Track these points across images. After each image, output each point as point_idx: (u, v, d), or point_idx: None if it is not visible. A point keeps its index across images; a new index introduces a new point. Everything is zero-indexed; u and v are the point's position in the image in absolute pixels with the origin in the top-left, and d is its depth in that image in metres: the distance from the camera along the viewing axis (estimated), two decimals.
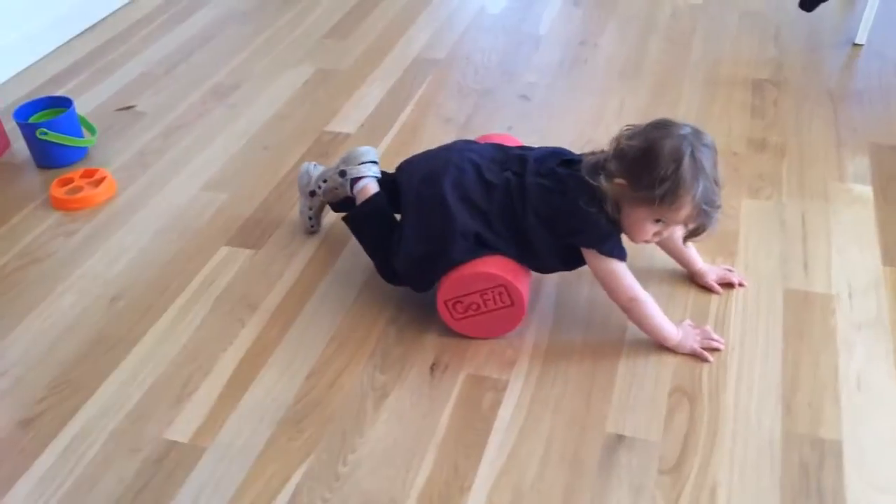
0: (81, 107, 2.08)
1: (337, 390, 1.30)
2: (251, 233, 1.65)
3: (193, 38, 2.46)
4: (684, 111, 1.95)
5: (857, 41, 2.19)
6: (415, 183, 1.38)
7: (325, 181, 1.54)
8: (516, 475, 1.16)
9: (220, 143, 1.95)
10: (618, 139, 1.25)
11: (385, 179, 1.49)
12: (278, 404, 1.28)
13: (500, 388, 1.29)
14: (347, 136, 1.94)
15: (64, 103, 1.92)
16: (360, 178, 1.47)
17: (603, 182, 1.23)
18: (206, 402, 1.29)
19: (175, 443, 1.23)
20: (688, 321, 1.36)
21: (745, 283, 1.45)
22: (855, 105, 1.95)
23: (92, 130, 1.94)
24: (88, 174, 1.81)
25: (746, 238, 1.56)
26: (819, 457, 1.16)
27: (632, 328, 1.37)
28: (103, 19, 2.59)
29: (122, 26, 2.54)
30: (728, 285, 1.44)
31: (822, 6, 2.21)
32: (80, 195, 1.75)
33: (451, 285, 1.32)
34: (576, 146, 1.45)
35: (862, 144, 1.80)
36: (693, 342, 1.32)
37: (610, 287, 1.31)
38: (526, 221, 1.31)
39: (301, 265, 1.56)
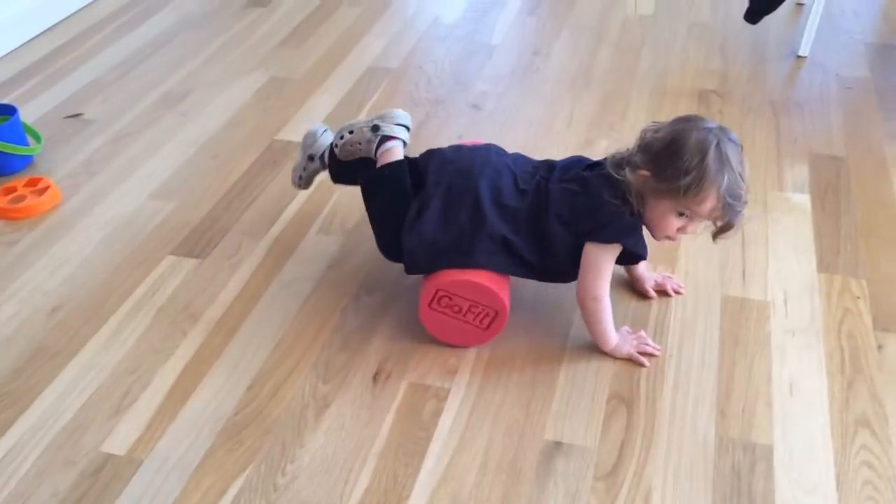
0: (29, 114, 2.06)
1: (278, 400, 1.30)
2: (197, 242, 1.64)
3: (146, 44, 2.45)
4: (632, 121, 1.99)
5: (800, 53, 2.25)
6: (448, 171, 1.37)
7: (350, 132, 1.49)
8: (455, 484, 1.17)
9: (168, 152, 1.93)
10: (643, 133, 1.27)
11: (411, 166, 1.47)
12: (218, 415, 1.28)
13: (441, 397, 1.30)
14: (298, 144, 1.94)
15: (8, 111, 1.89)
16: (391, 138, 1.45)
17: (627, 174, 1.24)
18: (145, 414, 1.28)
19: (111, 455, 1.22)
20: (625, 327, 1.38)
21: (682, 290, 1.48)
22: (796, 116, 1.99)
23: (37, 138, 1.92)
24: (32, 183, 1.78)
25: (687, 245, 1.59)
26: (751, 461, 1.18)
27: (574, 336, 1.39)
28: (53, 26, 2.56)
29: (74, 32, 2.51)
30: (663, 293, 1.47)
31: (767, 18, 2.26)
32: (22, 204, 1.72)
33: (456, 282, 1.31)
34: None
35: (801, 154, 1.85)
36: (629, 347, 1.35)
37: (586, 279, 1.30)
38: (549, 227, 1.31)
39: (246, 274, 1.55)
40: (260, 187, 1.80)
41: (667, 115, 1.98)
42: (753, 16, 2.19)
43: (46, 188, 1.77)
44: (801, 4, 2.53)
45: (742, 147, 1.25)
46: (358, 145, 1.48)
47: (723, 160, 1.20)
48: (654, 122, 1.29)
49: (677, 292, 1.48)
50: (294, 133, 1.99)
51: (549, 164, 1.39)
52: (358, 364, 1.36)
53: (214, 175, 1.85)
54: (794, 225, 1.64)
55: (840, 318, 1.42)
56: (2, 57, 2.37)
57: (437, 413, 1.28)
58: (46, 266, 1.59)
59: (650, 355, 1.35)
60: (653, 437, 1.23)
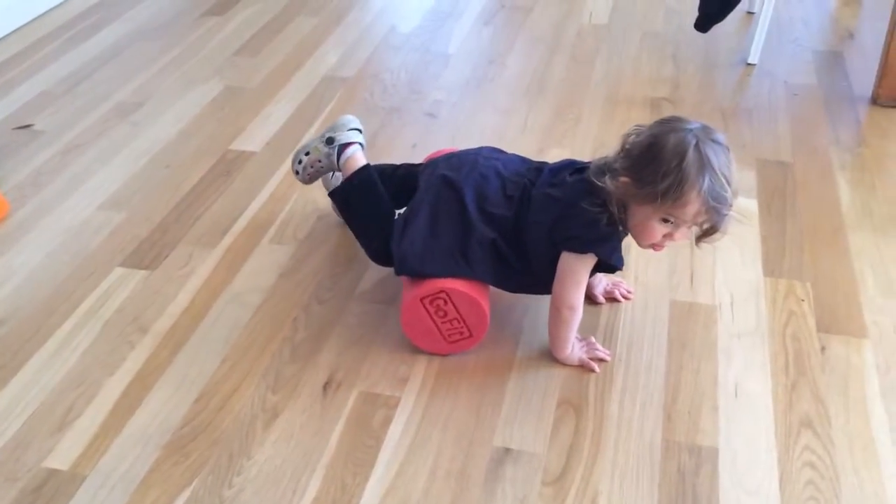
0: None
1: (226, 412, 1.29)
2: (147, 253, 1.62)
3: (99, 55, 2.42)
4: (584, 128, 2.01)
5: (749, 61, 2.29)
6: (435, 179, 1.37)
7: (306, 153, 1.48)
8: (403, 492, 1.17)
9: (119, 162, 1.91)
10: (625, 137, 1.25)
11: (394, 172, 1.47)
12: (164, 428, 1.26)
13: (391, 406, 1.30)
14: (252, 153, 1.93)
15: None
16: (348, 145, 1.44)
17: (608, 181, 1.22)
18: (89, 429, 1.26)
19: (55, 471, 1.20)
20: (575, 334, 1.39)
21: (631, 296, 1.49)
22: (744, 122, 2.03)
23: None
24: None
25: (637, 250, 1.60)
26: (696, 463, 1.20)
27: (524, 342, 1.40)
28: (5, 36, 2.52)
29: (22, 45, 2.48)
30: (613, 299, 1.48)
31: (718, 27, 2.30)
32: None
33: (464, 295, 1.30)
34: None
35: (749, 160, 1.88)
36: (580, 352, 1.36)
37: (562, 288, 1.29)
38: (528, 233, 1.31)
39: (196, 286, 1.54)
40: (212, 198, 1.78)
41: (619, 123, 2.02)
42: (704, 24, 2.22)
43: None
44: (751, 13, 2.58)
45: (728, 148, 1.22)
46: (319, 163, 1.48)
47: (703, 161, 1.16)
48: (636, 126, 1.26)
49: (626, 297, 1.49)
50: (249, 143, 1.98)
51: (539, 168, 1.38)
52: (308, 374, 1.36)
53: (166, 186, 1.83)
54: (741, 230, 1.66)
55: (785, 320, 1.45)
56: None
57: (388, 421, 1.27)
58: None
59: (601, 360, 1.36)
60: (600, 441, 1.23)
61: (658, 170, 1.17)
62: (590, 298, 1.48)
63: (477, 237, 1.31)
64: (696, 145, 1.17)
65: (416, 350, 1.39)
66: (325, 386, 1.33)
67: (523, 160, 1.43)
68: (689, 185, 1.16)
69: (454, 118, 2.07)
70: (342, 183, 1.46)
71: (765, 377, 1.34)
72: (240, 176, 1.84)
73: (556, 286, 1.30)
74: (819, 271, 1.55)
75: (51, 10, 2.70)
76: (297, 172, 1.54)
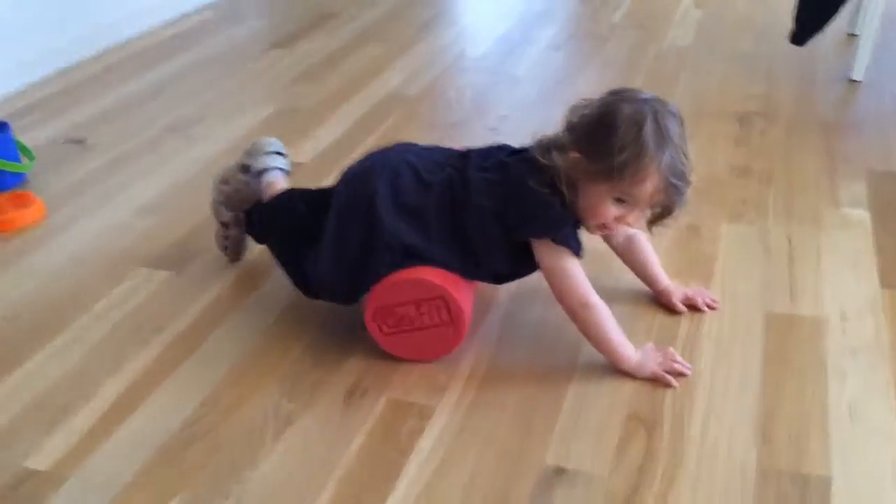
0: (30, 140, 1.98)
1: (233, 418, 1.11)
2: (174, 255, 1.49)
3: (162, 80, 2.39)
4: None
5: (853, 77, 2.06)
6: (345, 184, 1.22)
7: (225, 183, 1.36)
8: None
9: (164, 172, 1.82)
10: (571, 110, 1.10)
11: (312, 194, 1.34)
12: (161, 431, 1.09)
13: (425, 416, 1.10)
14: (301, 164, 1.81)
15: (0, 128, 1.81)
16: (265, 171, 1.31)
17: (556, 157, 1.07)
18: (81, 428, 1.11)
19: (35, 471, 1.04)
20: (650, 344, 1.17)
21: (716, 305, 1.26)
22: (850, 135, 1.79)
23: (30, 156, 1.83)
24: (16, 197, 1.68)
25: (724, 262, 1.38)
26: (801, 493, 0.94)
27: (586, 351, 1.18)
28: (79, 63, 2.53)
29: (96, 69, 2.47)
30: (693, 307, 1.25)
31: (815, 46, 2.09)
32: (2, 218, 1.61)
33: (383, 291, 1.15)
34: None
35: (857, 172, 1.64)
36: (654, 365, 1.13)
37: (560, 288, 1.12)
38: (468, 218, 1.13)
39: (220, 289, 1.39)
40: None
41: (706, 137, 1.81)
42: (801, 36, 2.01)
43: (30, 203, 1.66)
44: (853, 35, 2.35)
45: (683, 120, 1.06)
46: (239, 192, 1.35)
47: (662, 133, 1.03)
48: (582, 99, 1.11)
49: (711, 307, 1.26)
50: (299, 154, 1.86)
51: (463, 154, 1.21)
52: (331, 380, 1.17)
53: (206, 194, 1.71)
54: (850, 241, 1.42)
55: None
56: (16, 92, 2.34)
57: (418, 433, 1.07)
58: (14, 277, 1.46)
59: (679, 374, 1.13)
60: (679, 463, 0.99)
61: (613, 143, 1.03)
62: (667, 307, 1.26)
63: (385, 240, 1.13)
64: (655, 116, 1.04)
65: (459, 357, 1.19)
66: (349, 393, 1.15)
67: (441, 149, 1.26)
68: (649, 158, 1.03)
69: (518, 131, 1.87)
70: (259, 205, 1.30)
71: (888, 399, 1.08)
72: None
73: (554, 291, 1.12)
74: None
75: (130, 40, 2.72)
76: (219, 203, 1.39)
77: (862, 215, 1.49)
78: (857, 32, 2.33)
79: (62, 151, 1.96)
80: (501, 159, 1.17)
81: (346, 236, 1.17)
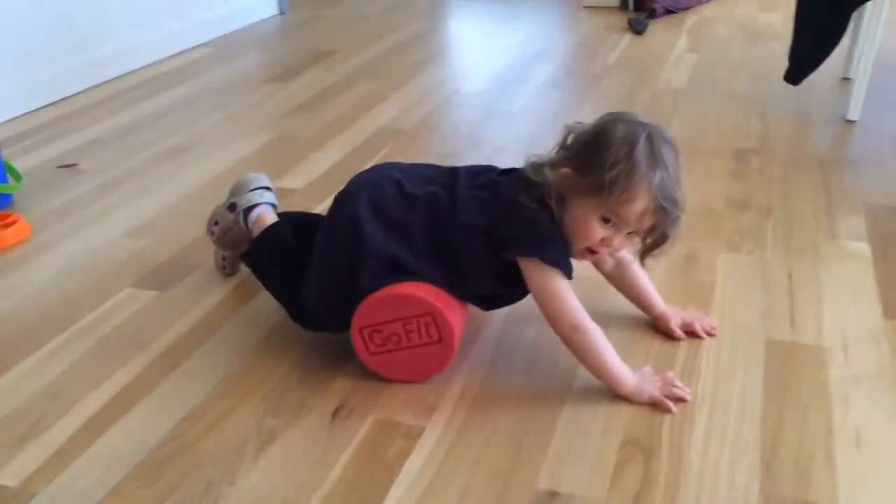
0: (22, 164, 1.96)
1: (214, 434, 1.07)
2: (163, 276, 1.46)
3: (158, 110, 2.38)
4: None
5: (849, 118, 2.06)
6: (332, 207, 1.20)
7: (216, 223, 1.37)
8: None
9: (156, 197, 1.80)
10: (566, 129, 1.09)
11: (306, 219, 1.32)
12: (138, 447, 1.05)
13: (413, 436, 1.05)
14: (294, 190, 1.79)
15: None
16: (253, 207, 1.31)
17: (547, 173, 1.06)
18: (54, 443, 1.06)
19: (3, 486, 0.99)
20: (647, 367, 1.13)
21: (714, 332, 1.23)
22: (848, 172, 1.78)
23: (17, 177, 1.80)
24: (1, 218, 1.65)
25: (723, 290, 1.35)
26: None
27: (581, 375, 1.14)
28: (77, 93, 2.53)
29: (93, 99, 2.47)
30: (692, 333, 1.22)
31: (810, 88, 2.10)
32: None
33: (369, 308, 1.11)
34: None
35: (856, 206, 1.62)
36: (653, 389, 1.09)
37: (550, 309, 1.08)
38: (454, 235, 1.11)
39: (208, 307, 1.36)
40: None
41: (701, 172, 1.81)
42: (796, 75, 2.02)
43: (14, 222, 1.63)
44: (847, 79, 2.36)
45: (678, 149, 1.06)
46: (230, 231, 1.35)
47: (655, 155, 1.02)
48: (577, 122, 1.11)
49: (710, 334, 1.23)
50: (293, 181, 1.84)
51: (452, 171, 1.19)
52: (318, 398, 1.13)
53: (197, 218, 1.68)
54: (851, 272, 1.39)
55: None
56: (10, 119, 2.33)
57: (405, 454, 1.02)
58: None
59: (679, 399, 1.09)
60: (678, 490, 0.95)
61: (605, 158, 1.02)
62: (665, 332, 1.23)
63: (371, 250, 1.11)
64: (648, 137, 1.03)
65: (450, 377, 1.15)
66: (336, 411, 1.10)
67: (430, 166, 1.24)
68: (640, 177, 1.01)
69: (513, 164, 1.89)
70: (250, 244, 1.29)
71: (895, 426, 1.04)
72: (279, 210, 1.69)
73: (543, 311, 1.09)
74: None
75: (128, 73, 2.73)
76: (215, 243, 1.41)
77: (862, 247, 1.47)
78: (851, 77, 2.36)
79: (53, 175, 1.93)
80: (492, 178, 1.15)
81: (332, 256, 1.15)
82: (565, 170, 1.06)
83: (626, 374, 1.09)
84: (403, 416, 1.09)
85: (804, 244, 1.48)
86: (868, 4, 2.10)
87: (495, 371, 1.17)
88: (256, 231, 1.29)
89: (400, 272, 1.11)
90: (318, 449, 1.03)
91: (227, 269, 1.43)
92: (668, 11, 3.24)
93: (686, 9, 3.29)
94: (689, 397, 1.09)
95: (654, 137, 1.04)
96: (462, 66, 2.78)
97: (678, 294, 1.33)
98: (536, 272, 1.08)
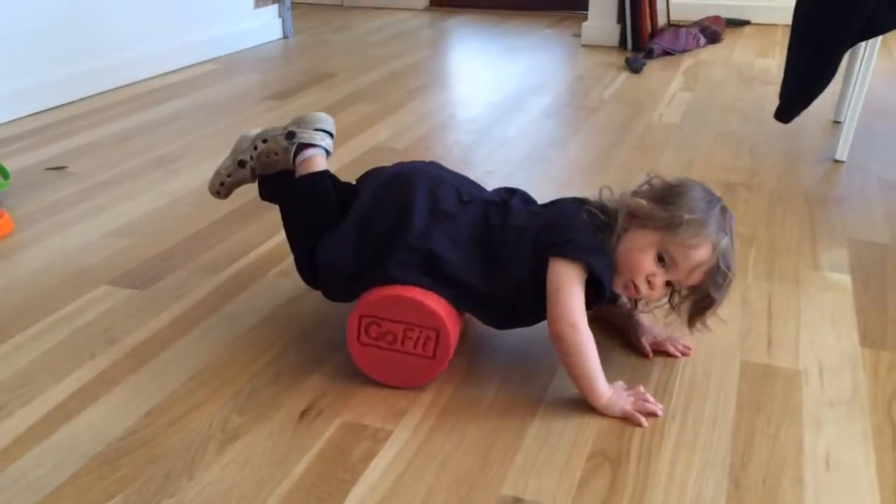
0: (13, 165, 1.96)
1: (177, 429, 1.05)
2: (140, 275, 1.45)
3: (154, 120, 2.40)
4: None
5: (837, 157, 2.07)
6: (379, 179, 1.20)
7: (264, 140, 1.29)
8: None
9: (141, 201, 1.80)
10: (647, 175, 1.16)
11: (338, 186, 1.27)
12: (99, 439, 1.03)
13: (379, 439, 1.04)
14: None
15: None
16: (309, 146, 1.25)
17: (625, 197, 1.12)
18: (13, 432, 1.04)
19: None
20: (620, 382, 1.12)
21: (689, 352, 1.21)
22: (833, 208, 1.78)
23: (5, 175, 1.81)
24: None
25: None
26: None
27: (554, 388, 1.13)
28: (76, 101, 2.55)
29: (91, 107, 2.49)
30: (663, 352, 1.21)
31: (800, 130, 2.11)
32: None
33: (379, 301, 1.09)
34: None
35: (840, 240, 1.62)
36: (625, 403, 1.08)
37: (557, 305, 1.06)
38: (502, 238, 1.12)
39: (185, 307, 1.35)
40: (229, 233, 1.63)
41: None
42: (786, 113, 2.04)
43: None
44: (837, 122, 2.39)
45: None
46: (274, 155, 1.28)
47: (726, 224, 1.10)
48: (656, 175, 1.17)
49: (684, 353, 1.22)
50: None
51: (510, 190, 1.23)
52: (287, 398, 1.11)
53: (183, 221, 1.69)
54: (831, 302, 1.38)
55: (891, 392, 1.14)
56: (7, 122, 2.34)
57: (370, 455, 1.01)
58: None
59: (650, 414, 1.08)
60: (643, 502, 0.93)
61: (684, 203, 1.09)
62: (635, 345, 1.22)
63: (410, 240, 1.10)
64: (724, 207, 1.12)
65: (424, 386, 1.14)
66: (304, 412, 1.09)
67: (476, 184, 1.27)
68: (709, 232, 1.08)
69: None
70: (292, 179, 1.25)
71: (867, 450, 1.02)
72: (264, 218, 1.69)
73: (549, 303, 1.07)
74: None
75: (129, 84, 2.75)
76: (250, 157, 1.32)
77: (843, 279, 1.46)
78: (841, 120, 2.38)
79: (42, 176, 1.94)
80: (552, 200, 1.20)
81: (369, 228, 1.13)
82: (643, 200, 1.10)
83: (604, 387, 1.08)
84: (372, 420, 1.07)
85: (786, 272, 1.48)
86: (860, 52, 2.14)
87: (469, 380, 1.16)
88: (303, 170, 1.24)
89: (430, 272, 1.09)
90: (281, 448, 1.02)
91: (222, 194, 1.39)
92: (666, 53, 3.28)
93: (683, 51, 3.33)
94: (660, 412, 1.08)
95: (726, 211, 1.12)
96: (460, 93, 2.80)
97: (659, 315, 1.32)
98: (564, 269, 1.07)
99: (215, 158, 2.04)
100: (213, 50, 3.19)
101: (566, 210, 1.14)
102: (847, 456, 1.01)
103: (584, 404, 1.09)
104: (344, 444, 1.03)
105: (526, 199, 1.22)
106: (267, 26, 3.54)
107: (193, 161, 2.04)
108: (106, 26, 2.68)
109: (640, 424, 1.06)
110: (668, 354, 1.21)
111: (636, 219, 1.10)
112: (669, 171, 1.94)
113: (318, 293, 1.36)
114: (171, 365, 1.19)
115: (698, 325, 1.14)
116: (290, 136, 1.26)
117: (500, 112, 2.51)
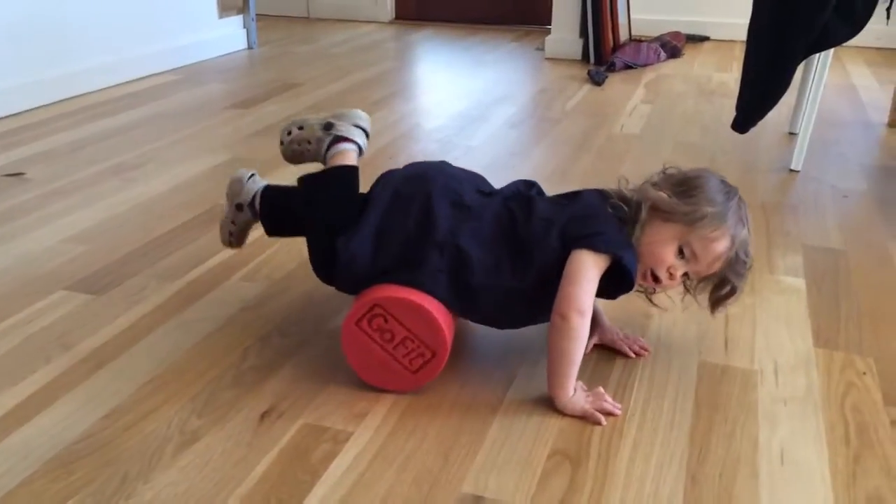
0: None
1: (135, 432, 1.04)
2: (97, 281, 1.43)
3: (115, 128, 2.37)
4: None
5: (792, 167, 2.12)
6: (396, 179, 1.19)
7: (300, 128, 1.27)
8: None
9: (99, 208, 1.77)
10: (663, 167, 1.17)
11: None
12: (54, 443, 1.01)
13: (340, 440, 1.03)
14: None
15: None
16: (344, 140, 1.24)
17: (647, 187, 1.12)
18: None
19: None
20: (579, 382, 1.12)
21: (645, 353, 1.23)
22: (789, 216, 1.82)
23: None
24: None
25: (660, 315, 1.36)
26: None
27: (515, 388, 1.14)
28: (33, 108, 2.51)
29: (49, 115, 2.46)
30: (619, 352, 1.23)
31: (756, 140, 2.16)
32: None
33: (402, 300, 1.06)
34: None
35: (795, 245, 1.66)
36: (584, 402, 1.08)
37: (569, 289, 1.05)
38: (528, 228, 1.11)
39: (142, 312, 1.33)
40: (189, 239, 1.62)
41: None
42: (742, 124, 2.08)
43: None
44: (793, 134, 2.44)
45: None
46: (307, 144, 1.26)
47: (743, 216, 1.13)
48: (672, 166, 1.19)
49: (639, 354, 1.23)
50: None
51: (527, 182, 1.24)
52: (247, 401, 1.11)
53: (141, 228, 1.67)
54: (786, 304, 1.41)
55: (843, 391, 1.16)
56: None
57: (331, 457, 1.00)
58: None
59: (609, 413, 1.09)
60: (601, 499, 0.94)
61: (704, 195, 1.11)
62: (610, 347, 1.24)
63: (438, 239, 1.09)
64: (740, 200, 1.15)
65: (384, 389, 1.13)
66: (264, 415, 1.08)
67: (485, 179, 1.28)
68: (728, 225, 1.10)
69: None
70: (324, 169, 1.24)
71: (820, 447, 1.04)
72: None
73: (562, 288, 1.06)
74: (884, 349, 1.28)
75: (90, 92, 2.72)
76: (281, 142, 1.32)
77: (798, 283, 1.50)
78: (796, 131, 2.44)
79: None
80: (572, 191, 1.19)
81: (394, 222, 1.12)
82: (664, 192, 1.11)
83: (573, 384, 1.09)
84: (333, 422, 1.07)
85: None
86: (813, 66, 2.20)
87: (430, 383, 1.16)
88: (333, 163, 1.23)
89: (458, 274, 1.09)
90: (241, 450, 1.01)
91: (235, 244, 1.35)
92: (628, 66, 3.34)
93: (645, 65, 3.39)
94: (618, 412, 1.09)
95: (743, 203, 1.14)
96: (425, 104, 2.82)
97: (617, 318, 1.33)
98: (589, 258, 1.06)
99: (173, 167, 2.05)
100: (175, 60, 3.17)
101: (592, 203, 1.14)
102: (801, 452, 1.03)
103: (544, 404, 1.10)
104: (304, 446, 1.02)
105: (542, 191, 1.23)
106: (231, 37, 3.53)
107: (151, 169, 2.03)
108: (65, 35, 2.65)
109: (599, 423, 1.07)
110: (623, 354, 1.23)
111: (658, 211, 1.10)
112: (628, 177, 1.98)
113: (279, 297, 1.35)
114: (128, 369, 1.17)
115: (719, 310, 1.18)
116: (328, 127, 1.26)
117: (465, 122, 2.53)
